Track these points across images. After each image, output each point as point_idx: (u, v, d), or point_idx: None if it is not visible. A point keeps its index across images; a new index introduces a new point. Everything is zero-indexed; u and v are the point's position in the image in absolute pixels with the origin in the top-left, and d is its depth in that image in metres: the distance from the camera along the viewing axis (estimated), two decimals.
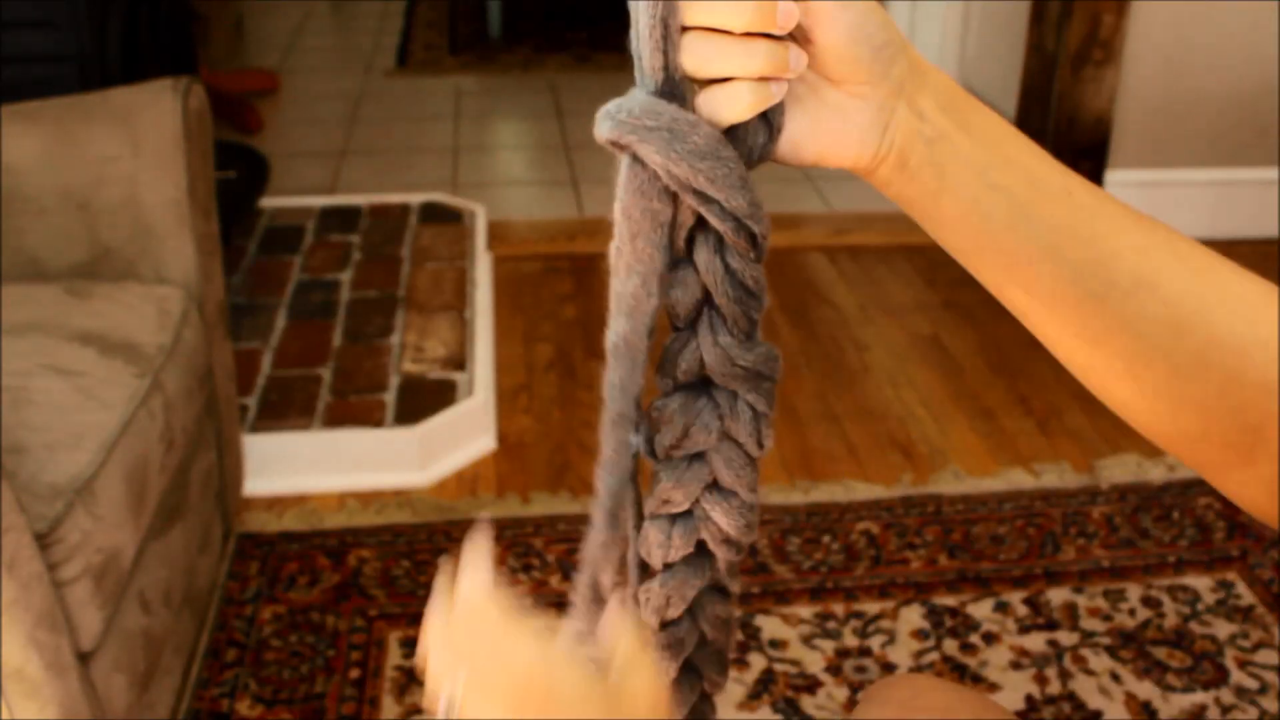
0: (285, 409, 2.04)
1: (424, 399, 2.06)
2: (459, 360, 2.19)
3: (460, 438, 2.04)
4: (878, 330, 2.46)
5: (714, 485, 0.61)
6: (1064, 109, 2.76)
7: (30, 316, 1.41)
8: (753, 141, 0.56)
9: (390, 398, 2.08)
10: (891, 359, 2.36)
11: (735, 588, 0.65)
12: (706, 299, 0.58)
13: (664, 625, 0.64)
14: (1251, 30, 2.71)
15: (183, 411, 1.44)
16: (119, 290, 1.50)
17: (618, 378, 0.57)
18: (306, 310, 2.37)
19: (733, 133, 0.55)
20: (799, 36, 0.54)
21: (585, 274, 2.66)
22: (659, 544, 0.62)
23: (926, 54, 3.76)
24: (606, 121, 0.55)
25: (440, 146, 3.43)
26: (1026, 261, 0.56)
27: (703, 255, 0.57)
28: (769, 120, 0.56)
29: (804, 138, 0.57)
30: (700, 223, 0.57)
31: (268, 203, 2.83)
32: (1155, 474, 1.99)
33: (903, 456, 2.06)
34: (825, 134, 0.56)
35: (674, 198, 0.55)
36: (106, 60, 2.06)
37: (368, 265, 2.56)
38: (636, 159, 0.55)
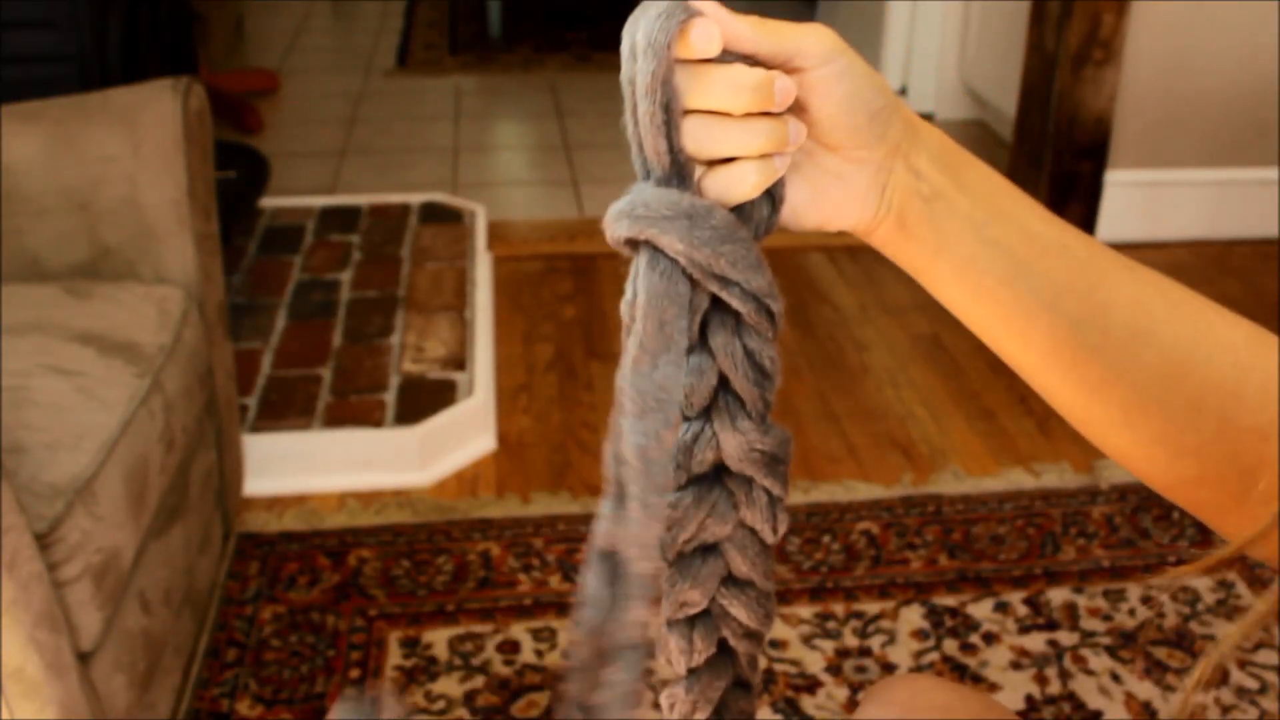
0: (285, 409, 2.04)
1: (424, 399, 2.06)
2: (459, 360, 2.19)
3: (460, 438, 2.04)
4: (878, 330, 2.46)
5: (729, 578, 0.59)
6: (1064, 109, 2.76)
7: (30, 316, 1.41)
8: (758, 216, 0.56)
9: (390, 398, 2.08)
10: (891, 359, 2.36)
11: (756, 679, 0.63)
12: (722, 384, 0.57)
13: None
14: (1251, 30, 2.71)
15: (183, 411, 1.44)
16: (119, 290, 1.50)
17: (654, 483, 0.53)
18: (306, 310, 2.37)
19: (739, 210, 0.55)
20: (796, 107, 0.54)
21: (585, 274, 2.66)
22: (682, 650, 0.60)
23: (926, 54, 3.77)
24: (624, 220, 0.54)
25: (440, 146, 3.43)
26: (1024, 315, 0.57)
27: (719, 338, 0.56)
28: (772, 194, 0.56)
29: (805, 205, 0.57)
30: (715, 306, 0.56)
31: (268, 203, 2.83)
32: None
33: (903, 456, 2.06)
34: (826, 200, 0.57)
35: (693, 281, 0.55)
36: (106, 60, 2.06)
37: (368, 265, 2.56)
38: (656, 249, 0.54)
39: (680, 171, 0.54)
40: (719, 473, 0.59)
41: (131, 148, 1.54)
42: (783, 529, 0.59)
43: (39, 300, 1.46)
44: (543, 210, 3.04)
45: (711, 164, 0.55)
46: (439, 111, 3.73)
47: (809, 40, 0.54)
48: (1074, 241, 0.57)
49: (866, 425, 2.15)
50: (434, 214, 2.80)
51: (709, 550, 0.59)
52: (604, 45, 4.42)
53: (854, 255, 2.74)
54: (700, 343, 0.57)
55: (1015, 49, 3.08)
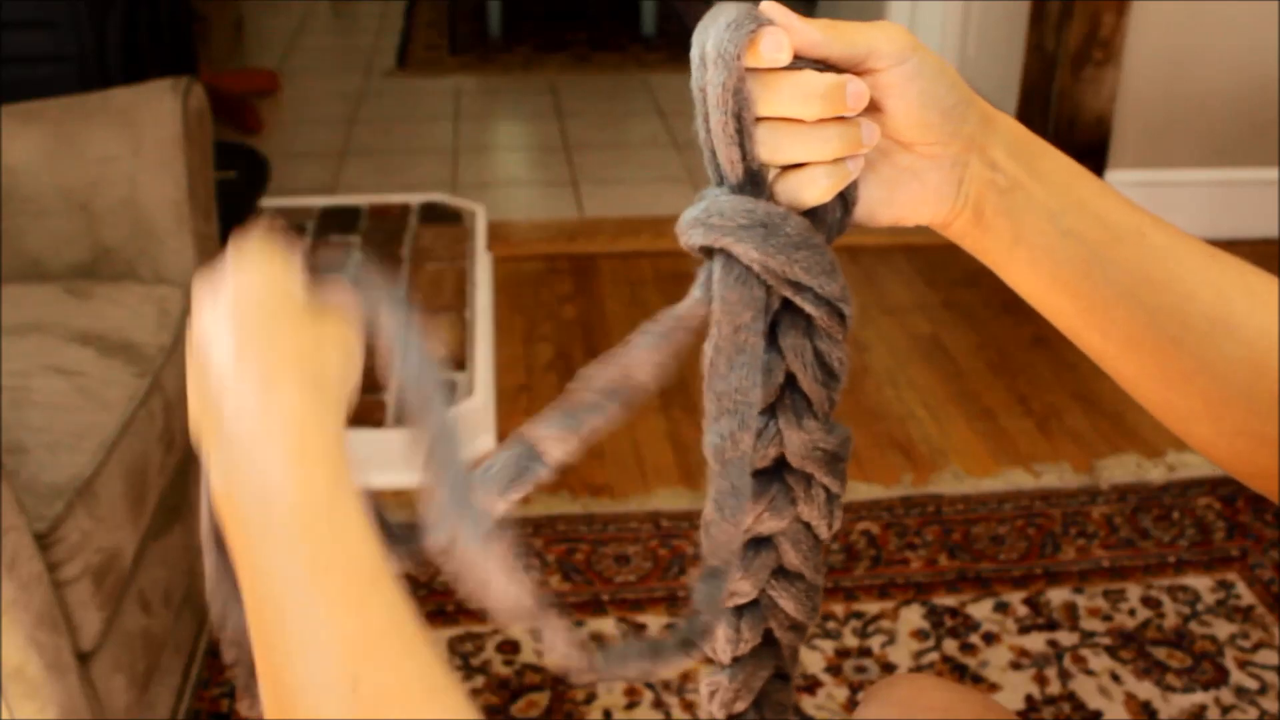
0: None
1: None
2: (459, 360, 2.19)
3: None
4: (878, 330, 2.46)
5: (781, 570, 0.60)
6: (1064, 109, 2.76)
7: (30, 316, 1.41)
8: (831, 219, 0.56)
9: (390, 398, 2.08)
10: (891, 359, 2.36)
11: (795, 672, 0.64)
12: (789, 383, 0.58)
13: (730, 718, 0.63)
14: (1251, 30, 2.71)
15: (183, 411, 1.44)
16: (119, 290, 1.50)
17: (730, 484, 0.55)
18: None
19: (811, 214, 0.55)
20: (869, 107, 0.54)
21: (585, 274, 2.66)
22: (729, 639, 0.61)
23: None
24: (698, 229, 0.54)
25: (440, 146, 3.43)
26: (1102, 307, 0.56)
27: (790, 339, 0.56)
28: (845, 196, 0.56)
29: (880, 203, 0.57)
30: (786, 307, 0.56)
31: (268, 203, 2.83)
32: (1155, 474, 1.99)
33: (903, 456, 2.06)
34: (901, 197, 0.57)
35: (768, 286, 0.55)
36: (106, 60, 2.06)
37: (368, 265, 2.56)
38: (730, 256, 0.54)
39: (754, 179, 0.54)
40: (779, 467, 0.59)
41: (131, 148, 1.54)
42: (837, 525, 0.59)
43: (39, 300, 1.46)
44: (543, 210, 3.04)
45: (784, 169, 0.54)
46: (439, 111, 3.73)
47: (881, 40, 0.53)
48: (1152, 229, 0.57)
49: (866, 425, 2.15)
50: (434, 214, 2.80)
51: (763, 542, 0.59)
52: (604, 45, 4.42)
53: (854, 255, 2.74)
54: (769, 342, 0.57)
55: (1015, 49, 3.08)
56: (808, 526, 0.59)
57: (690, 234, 0.55)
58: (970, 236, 0.58)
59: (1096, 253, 0.56)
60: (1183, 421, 0.58)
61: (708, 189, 0.56)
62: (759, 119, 0.53)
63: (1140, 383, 0.58)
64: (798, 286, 0.54)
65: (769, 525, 0.59)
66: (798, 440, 0.57)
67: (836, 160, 0.54)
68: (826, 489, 0.58)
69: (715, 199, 0.54)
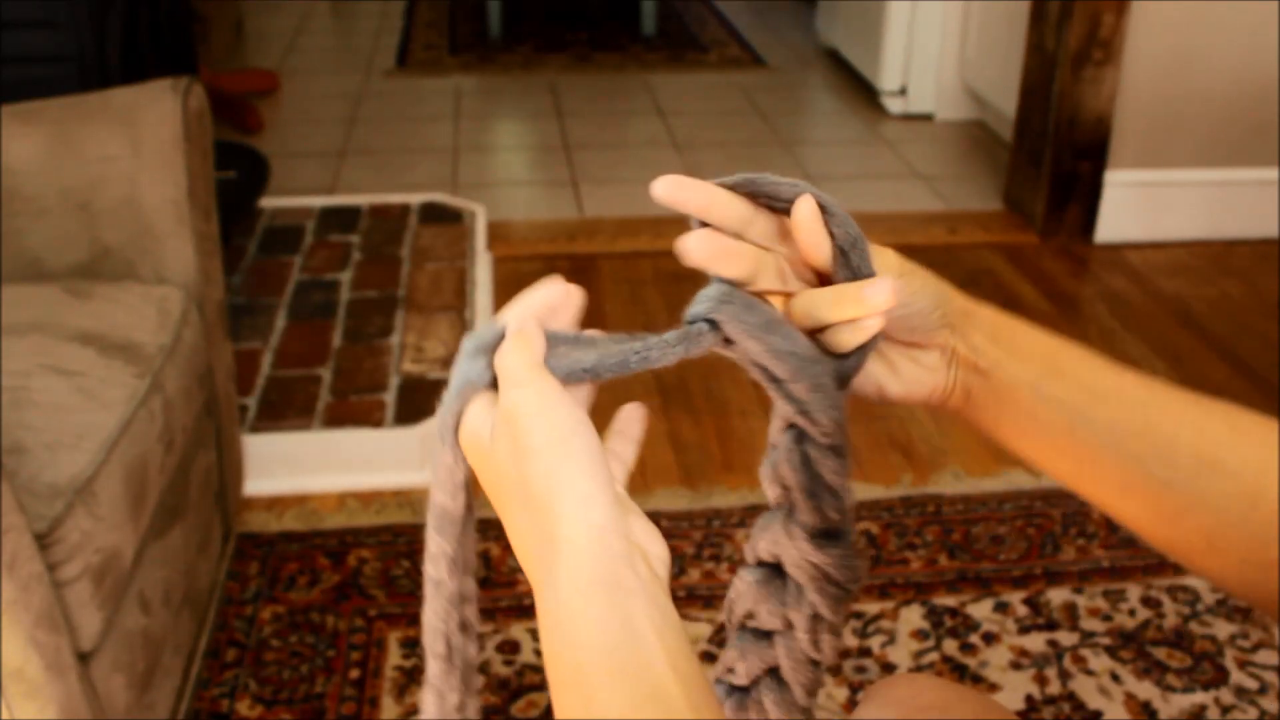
0: (285, 409, 2.04)
1: (424, 399, 2.06)
2: None
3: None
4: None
5: (774, 672, 0.60)
6: (1064, 109, 2.76)
7: (30, 316, 1.41)
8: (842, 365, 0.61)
9: (390, 398, 2.08)
10: None
11: None
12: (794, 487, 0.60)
13: None
14: (1251, 30, 2.71)
15: (182, 411, 1.44)
16: (119, 290, 1.50)
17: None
18: (306, 310, 2.37)
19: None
20: None
21: (585, 274, 2.66)
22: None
23: (926, 54, 3.77)
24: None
25: (440, 146, 3.43)
26: (1090, 459, 0.61)
27: (784, 441, 0.60)
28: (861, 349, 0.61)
29: (886, 378, 0.66)
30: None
31: (268, 203, 2.83)
32: None
33: (903, 456, 2.06)
34: (903, 375, 0.66)
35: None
36: (106, 60, 2.06)
37: (368, 265, 2.56)
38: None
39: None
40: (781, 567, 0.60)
41: (131, 148, 1.54)
42: (828, 653, 0.60)
43: (39, 300, 1.46)
44: (543, 210, 3.04)
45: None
46: (439, 111, 3.73)
47: (878, 266, 0.62)
48: (1131, 385, 0.62)
49: (866, 425, 2.15)
50: (434, 214, 2.80)
51: (762, 635, 0.60)
52: (604, 45, 4.42)
53: None
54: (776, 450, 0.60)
55: (1015, 49, 3.08)
56: (798, 639, 0.60)
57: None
58: (964, 411, 0.66)
59: (1079, 412, 0.61)
60: (1188, 557, 0.61)
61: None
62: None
63: (1140, 524, 0.62)
64: (772, 377, 0.57)
65: (766, 621, 0.60)
66: (790, 548, 0.59)
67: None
68: (814, 607, 0.59)
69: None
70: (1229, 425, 0.59)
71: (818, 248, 0.60)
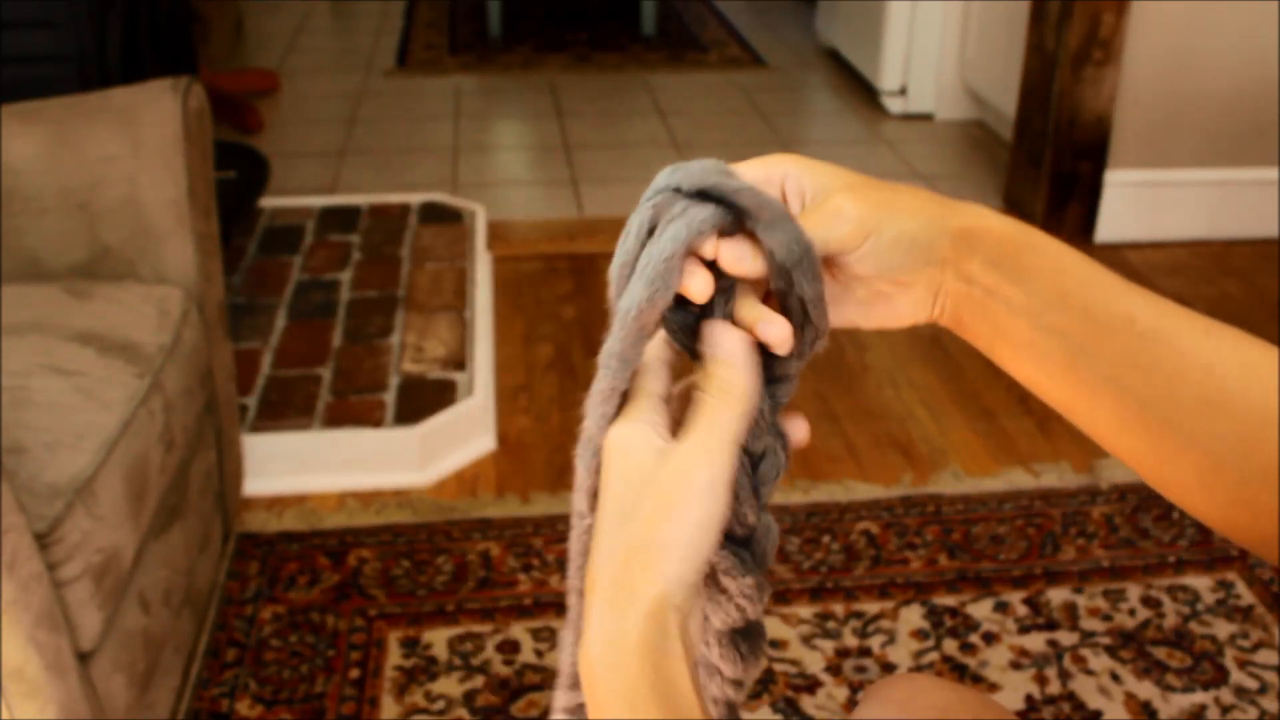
0: (285, 409, 2.04)
1: (424, 399, 2.06)
2: (459, 360, 2.19)
3: (460, 438, 2.04)
4: (878, 330, 2.46)
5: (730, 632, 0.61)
6: (1064, 109, 2.76)
7: (30, 316, 1.41)
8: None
9: (390, 398, 2.08)
10: (891, 359, 2.36)
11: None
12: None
13: None
14: (1251, 30, 2.71)
15: (183, 411, 1.44)
16: (119, 290, 1.50)
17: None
18: (306, 310, 2.37)
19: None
20: (834, 263, 0.60)
21: (585, 274, 2.66)
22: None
23: (926, 54, 3.74)
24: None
25: (440, 146, 3.43)
26: (1089, 394, 0.58)
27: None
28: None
29: (859, 317, 0.64)
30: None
31: (268, 203, 2.83)
32: None
33: (903, 456, 2.06)
34: (878, 315, 0.64)
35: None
36: (106, 60, 2.06)
37: (368, 265, 2.56)
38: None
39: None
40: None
41: (131, 148, 1.54)
42: (756, 608, 0.60)
43: (39, 300, 1.46)
44: (542, 210, 3.04)
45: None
46: (439, 111, 3.73)
47: (833, 240, 0.59)
48: (1142, 312, 0.58)
49: (866, 425, 2.15)
50: (434, 214, 2.80)
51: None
52: (604, 45, 4.42)
53: None
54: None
55: (1015, 49, 3.08)
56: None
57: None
58: (956, 331, 0.63)
59: (1080, 346, 0.58)
60: (1178, 493, 0.59)
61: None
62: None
63: (1133, 459, 0.59)
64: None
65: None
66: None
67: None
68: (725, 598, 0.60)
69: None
70: (1239, 361, 0.56)
71: (738, 267, 0.60)
